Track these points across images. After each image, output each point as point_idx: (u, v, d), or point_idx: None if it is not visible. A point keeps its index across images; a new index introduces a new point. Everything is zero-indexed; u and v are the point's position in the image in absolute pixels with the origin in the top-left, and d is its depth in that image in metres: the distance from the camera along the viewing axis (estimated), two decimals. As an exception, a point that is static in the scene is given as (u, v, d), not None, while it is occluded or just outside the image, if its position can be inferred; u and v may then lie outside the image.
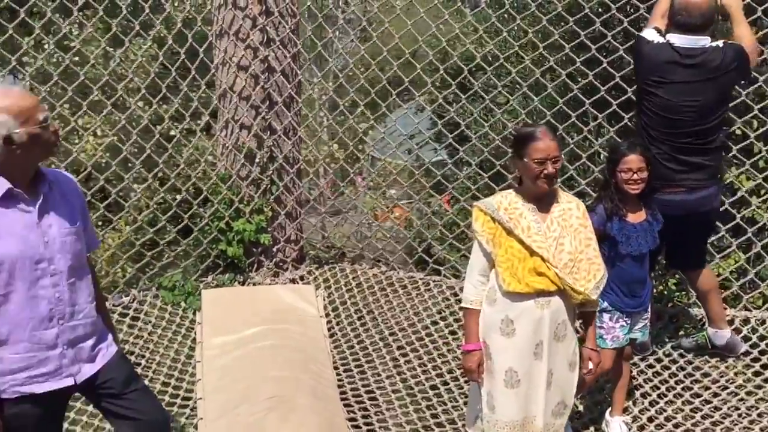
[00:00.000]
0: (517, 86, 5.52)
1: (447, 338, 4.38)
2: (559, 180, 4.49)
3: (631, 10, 4.29)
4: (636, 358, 3.94)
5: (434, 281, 4.89)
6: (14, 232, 2.11)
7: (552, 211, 2.73)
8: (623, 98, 4.31)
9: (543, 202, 2.74)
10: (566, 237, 2.69)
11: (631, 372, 3.71)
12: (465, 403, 3.75)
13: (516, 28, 4.79)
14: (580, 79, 4.49)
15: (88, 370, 2.31)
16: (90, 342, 2.32)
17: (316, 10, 4.81)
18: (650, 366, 4.00)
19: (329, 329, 4.51)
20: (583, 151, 4.70)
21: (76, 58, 4.65)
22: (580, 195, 4.68)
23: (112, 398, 2.38)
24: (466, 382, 3.83)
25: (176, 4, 5.74)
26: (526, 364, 2.67)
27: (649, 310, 3.41)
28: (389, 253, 5.37)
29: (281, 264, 5.04)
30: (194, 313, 4.54)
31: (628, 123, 4.31)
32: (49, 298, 2.18)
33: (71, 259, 2.23)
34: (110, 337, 2.44)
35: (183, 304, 4.68)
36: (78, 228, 2.28)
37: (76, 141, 6.16)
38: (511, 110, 5.52)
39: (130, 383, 2.42)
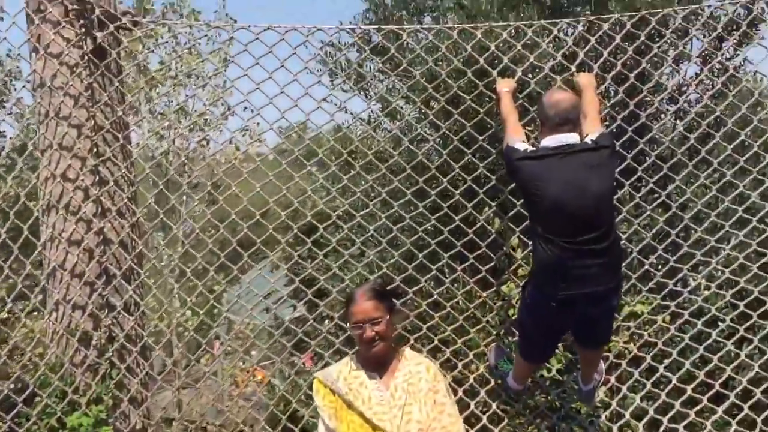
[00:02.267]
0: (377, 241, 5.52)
1: None
2: (413, 337, 4.42)
3: (471, 167, 4.45)
4: None
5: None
6: None
7: (396, 376, 2.55)
8: (479, 251, 4.36)
9: (385, 367, 2.57)
10: (414, 404, 2.49)
11: None
12: None
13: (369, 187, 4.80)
14: (436, 234, 4.53)
15: None
16: None
17: (157, 178, 4.56)
18: None
19: None
20: (447, 301, 4.66)
21: None
22: (444, 342, 4.55)
23: None
24: None
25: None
26: None
27: None
28: (252, 424, 4.89)
29: (126, 459, 4.38)
30: None
31: (486, 275, 4.36)
32: None
33: None
34: None
35: None
36: None
37: None
38: (370, 264, 5.46)
39: None
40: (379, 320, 2.52)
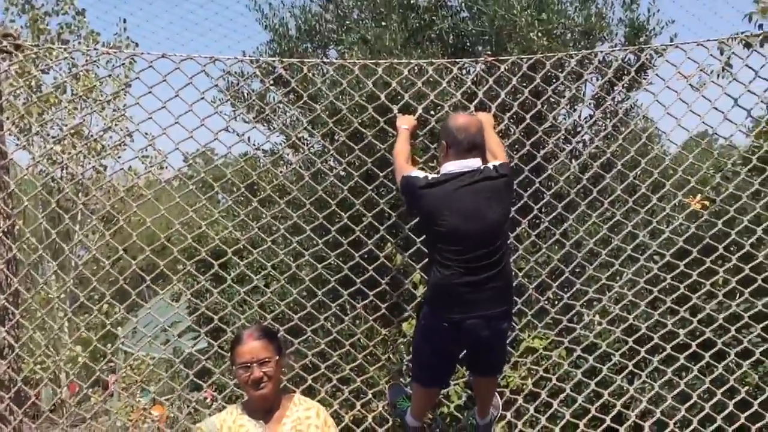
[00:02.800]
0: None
1: None
2: (311, 377, 4.29)
3: (374, 202, 4.42)
4: None
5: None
6: None
7: (284, 423, 2.45)
8: (379, 288, 4.30)
9: (272, 413, 2.46)
10: None
11: None
12: None
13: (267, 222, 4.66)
14: (339, 270, 4.44)
15: None
16: None
17: (36, 211, 4.26)
18: None
19: None
20: (346, 339, 4.56)
21: None
22: (344, 381, 4.43)
23: None
24: None
25: None
26: None
27: None
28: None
29: None
30: None
31: (386, 312, 4.30)
32: None
33: None
34: None
35: None
36: None
37: None
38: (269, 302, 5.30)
39: None
40: (268, 360, 2.43)
